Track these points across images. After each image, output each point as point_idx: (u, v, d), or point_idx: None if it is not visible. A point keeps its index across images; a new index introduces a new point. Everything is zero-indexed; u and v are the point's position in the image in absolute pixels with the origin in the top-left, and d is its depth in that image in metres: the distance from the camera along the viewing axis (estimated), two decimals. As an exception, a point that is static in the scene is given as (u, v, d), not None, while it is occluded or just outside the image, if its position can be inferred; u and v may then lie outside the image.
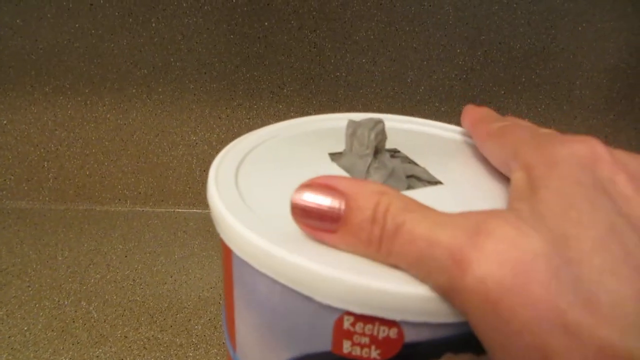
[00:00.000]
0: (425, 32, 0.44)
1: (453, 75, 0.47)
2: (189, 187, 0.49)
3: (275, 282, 0.12)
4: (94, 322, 0.35)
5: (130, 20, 0.43)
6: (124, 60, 0.45)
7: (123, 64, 0.45)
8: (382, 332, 0.12)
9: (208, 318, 0.36)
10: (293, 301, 0.12)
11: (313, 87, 0.46)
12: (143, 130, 0.47)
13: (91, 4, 0.43)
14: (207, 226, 0.48)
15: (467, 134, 0.22)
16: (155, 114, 0.47)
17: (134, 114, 0.47)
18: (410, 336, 0.12)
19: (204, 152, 0.48)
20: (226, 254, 0.14)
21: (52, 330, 0.34)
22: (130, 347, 0.33)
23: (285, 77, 0.46)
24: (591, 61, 0.47)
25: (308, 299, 0.12)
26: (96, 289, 0.38)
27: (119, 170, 0.48)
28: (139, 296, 0.38)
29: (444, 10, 0.44)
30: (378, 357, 0.12)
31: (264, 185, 0.15)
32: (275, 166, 0.17)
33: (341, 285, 0.11)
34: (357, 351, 0.12)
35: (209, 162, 0.49)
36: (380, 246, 0.12)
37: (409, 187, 0.17)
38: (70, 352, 0.32)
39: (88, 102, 0.46)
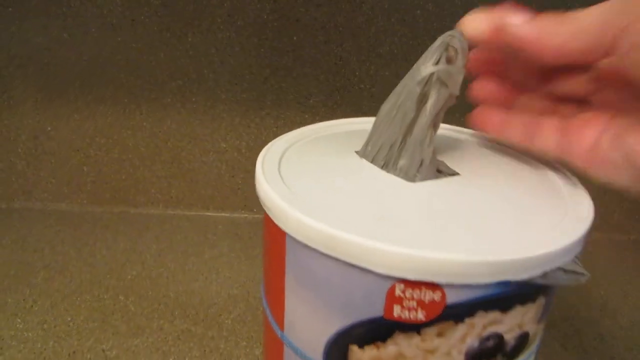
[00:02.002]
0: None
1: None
2: (218, 192, 0.52)
3: (333, 259, 0.14)
4: (132, 314, 0.37)
5: (168, 34, 0.46)
6: (160, 72, 0.48)
7: (160, 75, 0.48)
8: (428, 295, 0.14)
9: (237, 313, 0.38)
10: (351, 275, 0.14)
11: (338, 98, 0.49)
12: (176, 138, 0.50)
13: (133, 20, 0.46)
14: (235, 229, 0.50)
15: (476, 136, 0.24)
16: (189, 122, 0.50)
17: (169, 122, 0.50)
18: (451, 298, 0.14)
19: (233, 158, 0.51)
20: (278, 240, 0.16)
21: (93, 321, 0.36)
22: (165, 338, 0.35)
23: (312, 89, 0.48)
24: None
25: (366, 271, 0.14)
26: (132, 285, 0.41)
27: (153, 175, 0.51)
28: (172, 292, 0.40)
29: (464, 26, 0.46)
30: (423, 319, 0.14)
31: (305, 177, 0.18)
32: (310, 162, 0.19)
33: (396, 256, 0.13)
34: (405, 314, 0.14)
35: (238, 169, 0.51)
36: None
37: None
38: (110, 342, 0.35)
39: (126, 110, 0.49)
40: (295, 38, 0.47)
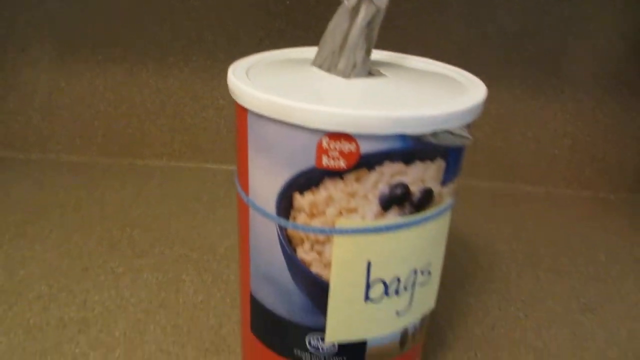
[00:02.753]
0: (425, 12, 0.50)
1: (451, 52, 0.52)
2: (217, 146, 0.56)
3: (279, 123, 0.19)
4: (136, 242, 0.42)
5: (172, -2, 0.51)
6: (165, 34, 0.52)
7: (164, 36, 0.52)
8: (346, 146, 0.18)
9: (230, 243, 0.43)
10: (292, 134, 0.19)
11: (327, 59, 0.53)
12: (179, 95, 0.55)
13: (139, -16, 0.50)
14: (232, 179, 0.55)
15: (406, 57, 0.29)
16: (190, 80, 0.54)
17: (172, 80, 0.54)
18: (364, 148, 0.18)
19: (230, 114, 0.55)
20: (243, 119, 0.21)
21: (102, 247, 0.41)
22: (165, 260, 0.40)
23: (303, 50, 0.53)
24: (579, 41, 0.52)
25: (302, 129, 0.18)
26: (138, 221, 0.45)
27: (158, 129, 0.56)
28: (173, 226, 0.45)
29: (444, -8, 0.50)
30: (344, 167, 0.19)
31: (265, 76, 0.22)
32: (272, 70, 0.23)
33: (322, 114, 0.18)
34: (331, 163, 0.19)
35: (235, 123, 0.56)
36: None
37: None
38: (117, 261, 0.39)
39: (134, 69, 0.54)
40: (288, 2, 0.51)
